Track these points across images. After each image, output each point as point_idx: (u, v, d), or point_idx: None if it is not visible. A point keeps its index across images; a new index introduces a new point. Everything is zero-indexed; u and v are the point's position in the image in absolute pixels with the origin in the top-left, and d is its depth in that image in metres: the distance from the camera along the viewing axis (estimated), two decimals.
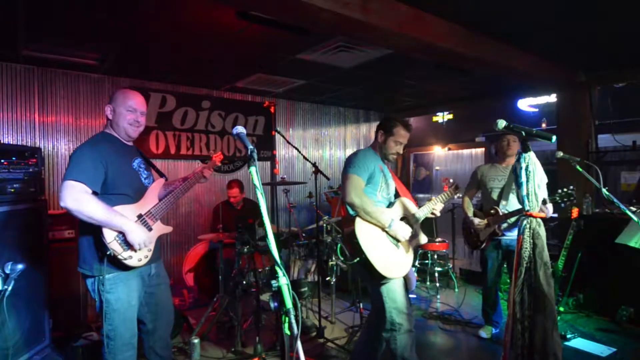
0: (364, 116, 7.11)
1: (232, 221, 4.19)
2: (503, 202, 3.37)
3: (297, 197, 6.01)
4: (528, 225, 1.97)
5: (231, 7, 2.84)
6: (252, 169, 1.42)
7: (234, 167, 5.59)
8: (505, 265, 3.66)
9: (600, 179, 2.59)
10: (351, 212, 2.43)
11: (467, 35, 3.42)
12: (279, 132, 4.03)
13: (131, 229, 2.02)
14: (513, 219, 3.22)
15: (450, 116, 6.94)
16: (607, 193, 2.56)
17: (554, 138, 1.89)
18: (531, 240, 1.96)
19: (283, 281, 1.31)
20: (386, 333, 2.38)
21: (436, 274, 4.99)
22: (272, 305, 1.34)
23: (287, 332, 1.26)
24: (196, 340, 2.99)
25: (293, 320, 1.25)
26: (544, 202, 2.63)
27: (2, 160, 2.88)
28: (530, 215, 1.97)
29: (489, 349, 3.45)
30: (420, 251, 5.26)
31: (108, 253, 1.98)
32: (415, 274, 5.16)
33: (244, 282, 3.57)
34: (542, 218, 2.01)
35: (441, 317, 4.08)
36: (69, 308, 3.54)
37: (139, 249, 2.07)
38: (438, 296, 4.82)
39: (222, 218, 4.03)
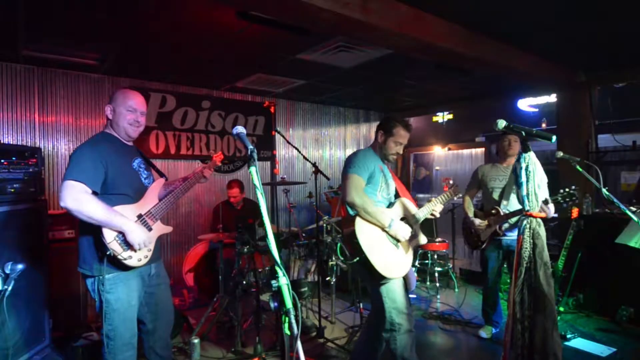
0: (364, 116, 7.11)
1: (232, 221, 4.19)
2: (504, 202, 3.36)
3: (297, 197, 6.01)
4: (528, 225, 1.97)
5: (231, 7, 2.84)
6: (252, 169, 1.42)
7: (234, 167, 5.59)
8: (505, 265, 3.66)
9: (600, 179, 2.59)
10: (351, 212, 2.43)
11: (467, 35, 3.42)
12: (279, 132, 4.03)
13: (131, 229, 2.02)
14: (514, 219, 3.21)
15: (450, 116, 6.94)
16: (607, 193, 2.56)
17: (554, 138, 1.89)
18: (531, 240, 1.96)
19: (283, 281, 1.31)
20: (386, 333, 2.38)
21: (436, 274, 4.99)
22: (272, 305, 1.34)
23: (287, 332, 1.26)
24: (196, 340, 2.99)
25: (293, 320, 1.25)
26: (546, 202, 2.64)
27: (2, 160, 2.88)
28: (530, 215, 1.97)
29: (489, 349, 3.45)
30: (420, 251, 5.26)
31: (108, 253, 1.98)
32: (415, 274, 5.15)
33: (244, 282, 3.57)
34: (542, 218, 2.01)
35: (441, 317, 4.08)
36: (69, 308, 3.54)
37: (139, 249, 2.07)
38: (438, 296, 4.82)
39: (222, 218, 4.03)
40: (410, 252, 2.51)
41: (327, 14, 2.60)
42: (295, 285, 3.96)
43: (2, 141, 3.89)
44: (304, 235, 4.75)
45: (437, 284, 4.95)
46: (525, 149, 1.97)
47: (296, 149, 3.86)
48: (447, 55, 3.55)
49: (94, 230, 2.01)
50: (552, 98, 5.41)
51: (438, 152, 7.15)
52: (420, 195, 7.24)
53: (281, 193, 5.38)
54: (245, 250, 3.63)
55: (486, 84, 5.25)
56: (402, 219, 2.52)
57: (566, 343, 3.41)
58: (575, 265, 4.06)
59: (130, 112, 2.18)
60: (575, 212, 3.81)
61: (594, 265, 4.09)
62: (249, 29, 3.24)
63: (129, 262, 2.04)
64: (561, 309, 3.97)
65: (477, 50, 3.57)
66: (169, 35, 3.39)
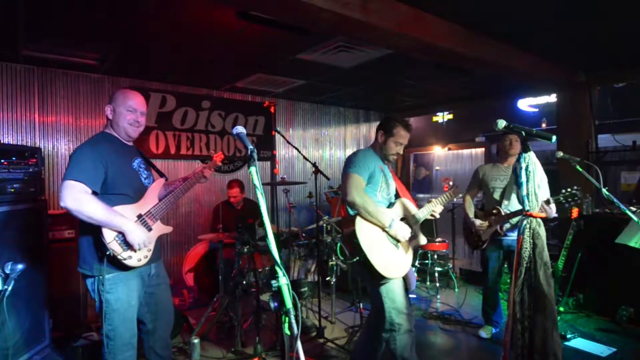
0: (364, 116, 7.11)
1: (232, 221, 4.19)
2: (505, 202, 3.36)
3: (297, 197, 6.01)
4: (528, 225, 1.97)
5: (231, 7, 2.84)
6: (252, 169, 1.43)
7: (234, 167, 5.59)
8: (505, 265, 3.66)
9: (600, 179, 2.59)
10: (351, 212, 2.43)
11: (467, 35, 3.42)
12: (279, 132, 4.03)
13: (131, 229, 2.01)
14: (516, 219, 3.21)
15: (450, 116, 6.94)
16: (607, 193, 2.56)
17: (554, 138, 1.89)
18: (531, 240, 1.96)
19: (283, 281, 1.31)
20: (386, 333, 2.38)
21: (436, 274, 4.99)
22: (272, 305, 1.34)
23: (287, 332, 1.26)
24: (196, 340, 2.99)
25: (293, 320, 1.25)
26: (548, 202, 2.64)
27: (2, 160, 2.88)
28: (530, 215, 1.97)
29: (489, 349, 3.45)
30: (420, 251, 5.26)
31: (108, 253, 1.98)
32: (415, 274, 5.15)
33: (244, 282, 3.57)
34: (542, 218, 2.01)
35: (441, 317, 4.08)
36: (69, 308, 3.54)
37: (139, 249, 2.07)
38: (438, 296, 4.82)
39: (222, 218, 4.03)
40: (410, 252, 2.51)
41: (327, 14, 2.60)
42: (295, 285, 3.96)
43: (2, 141, 3.89)
44: (304, 235, 4.75)
45: (437, 284, 4.94)
46: (525, 149, 1.97)
47: (296, 149, 3.86)
48: (447, 55, 3.55)
49: (93, 231, 2.01)
50: (552, 98, 5.41)
51: (438, 152, 7.15)
52: (420, 195, 7.24)
53: (281, 193, 5.38)
54: (245, 250, 3.63)
55: (486, 84, 5.25)
56: (402, 219, 2.52)
57: (566, 343, 3.41)
58: (575, 265, 4.06)
59: (130, 112, 2.18)
60: (575, 212, 3.81)
61: (594, 265, 4.09)
62: (249, 29, 3.24)
63: (128, 262, 2.04)
64: (561, 309, 3.97)
65: (477, 50, 3.57)
66: (169, 35, 3.39)
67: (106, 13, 2.94)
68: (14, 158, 2.95)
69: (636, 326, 3.70)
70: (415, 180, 7.53)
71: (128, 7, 2.85)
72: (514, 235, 3.29)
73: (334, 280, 4.04)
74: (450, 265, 5.25)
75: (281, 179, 4.16)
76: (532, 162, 1.96)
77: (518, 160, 2.00)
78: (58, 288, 3.39)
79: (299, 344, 1.24)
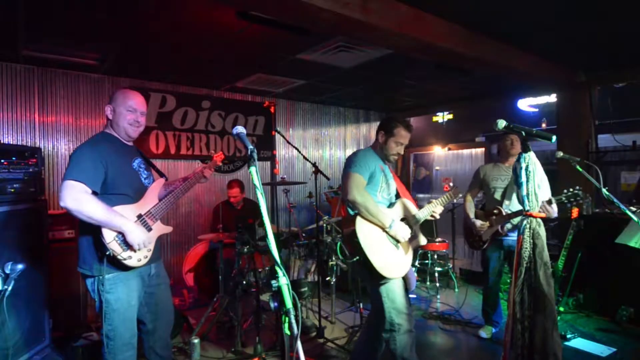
0: (364, 116, 7.11)
1: (232, 221, 4.19)
2: (506, 202, 3.35)
3: (297, 197, 6.01)
4: (528, 225, 1.97)
5: (231, 7, 2.84)
6: (252, 169, 1.43)
7: (234, 167, 5.59)
8: (505, 265, 3.65)
9: (600, 179, 2.59)
10: (351, 211, 2.43)
11: (467, 35, 3.42)
12: (279, 132, 4.03)
13: (130, 229, 2.01)
14: (517, 220, 3.20)
15: (450, 116, 6.94)
16: (607, 193, 2.56)
17: (554, 138, 1.89)
18: (531, 240, 1.96)
19: (283, 281, 1.31)
20: (386, 333, 2.38)
21: (436, 274, 4.99)
22: (272, 305, 1.34)
23: (287, 332, 1.26)
24: (196, 340, 2.99)
25: (293, 320, 1.25)
26: (550, 202, 2.64)
27: (2, 160, 2.88)
28: (530, 215, 1.97)
29: (489, 349, 3.45)
30: (420, 251, 5.26)
31: (107, 253, 1.98)
32: (415, 274, 5.15)
33: (244, 282, 3.57)
34: (543, 218, 2.01)
35: (441, 317, 4.08)
36: (69, 308, 3.54)
37: (138, 249, 2.06)
38: (438, 296, 4.82)
39: (222, 218, 4.03)
40: (410, 253, 2.51)
41: (327, 14, 2.60)
42: (295, 285, 3.96)
43: (2, 141, 3.89)
44: (304, 235, 4.74)
45: (437, 284, 4.95)
46: (525, 149, 1.97)
47: (296, 149, 3.86)
48: (447, 55, 3.55)
49: (93, 231, 2.01)
50: (552, 98, 5.41)
51: (438, 152, 7.15)
52: (420, 195, 7.24)
53: (281, 193, 5.38)
54: (245, 250, 3.63)
55: (486, 84, 5.25)
56: (402, 220, 2.52)
57: (566, 343, 3.41)
58: (575, 265, 4.06)
59: (130, 112, 2.17)
60: (575, 212, 3.81)
61: (594, 265, 4.09)
62: (249, 29, 3.24)
63: (128, 262, 2.04)
64: (561, 309, 3.97)
65: (477, 50, 3.57)
66: (169, 35, 3.39)
67: (106, 13, 2.94)
68: (14, 158, 2.95)
69: (636, 326, 3.70)
70: (415, 180, 7.53)
71: (128, 7, 2.85)
72: (514, 236, 3.28)
73: (334, 280, 4.04)
74: (450, 265, 5.25)
75: (281, 179, 4.16)
76: (532, 162, 1.96)
77: (518, 160, 2.00)
78: (58, 288, 3.39)
79: (299, 344, 1.24)
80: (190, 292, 4.53)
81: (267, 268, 4.02)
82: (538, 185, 1.98)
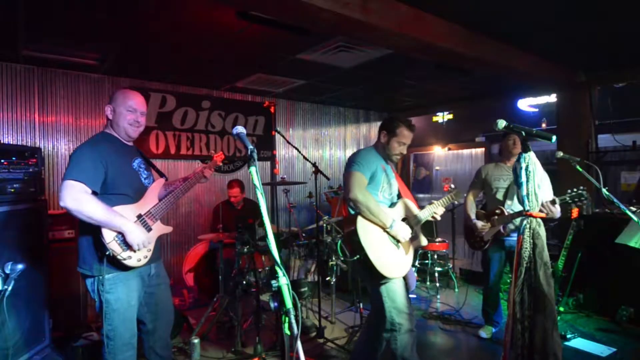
0: (364, 116, 7.11)
1: (232, 221, 4.19)
2: (508, 202, 3.34)
3: (297, 197, 6.01)
4: (528, 225, 1.98)
5: (231, 7, 2.84)
6: (252, 169, 1.43)
7: (234, 167, 5.59)
8: (506, 265, 3.65)
9: (600, 179, 2.59)
10: (352, 211, 2.42)
11: (467, 35, 3.42)
12: (279, 132, 4.03)
13: (130, 230, 2.01)
14: (519, 221, 3.19)
15: (450, 116, 6.94)
16: (607, 193, 2.56)
17: (554, 138, 1.90)
18: (531, 240, 1.96)
19: (283, 281, 1.31)
20: (386, 333, 2.38)
21: (436, 274, 4.99)
22: (272, 305, 1.34)
23: (287, 332, 1.26)
24: (196, 340, 2.99)
25: (293, 320, 1.25)
26: (553, 202, 2.64)
27: (2, 160, 2.88)
28: (530, 215, 1.97)
29: (489, 349, 3.45)
30: (420, 251, 5.26)
31: (107, 253, 1.98)
32: (415, 274, 5.16)
33: (244, 282, 3.57)
34: (544, 218, 2.01)
35: (441, 317, 4.08)
36: (69, 308, 3.54)
37: (138, 249, 2.06)
38: (438, 296, 4.82)
39: (222, 218, 4.04)
40: (411, 253, 2.51)
41: (327, 14, 2.60)
42: (295, 285, 3.96)
43: (2, 141, 3.89)
44: (304, 235, 4.74)
45: (437, 284, 4.95)
46: (525, 149, 1.97)
47: (296, 149, 3.86)
48: (447, 55, 3.55)
49: (93, 231, 2.01)
50: (552, 98, 5.41)
51: (438, 152, 7.15)
52: (420, 195, 7.24)
53: (281, 193, 5.38)
54: (245, 250, 3.63)
55: (486, 84, 5.25)
56: (403, 220, 2.52)
57: (566, 343, 3.41)
58: (575, 265, 4.06)
59: (130, 112, 2.17)
60: (575, 212, 3.81)
61: (594, 265, 4.09)
62: (249, 29, 3.24)
63: (128, 263, 2.04)
64: (561, 309, 3.97)
65: (477, 50, 3.57)
66: (169, 35, 3.39)
67: (106, 13, 2.94)
68: (14, 158, 2.95)
69: (636, 326, 3.70)
70: (415, 180, 7.53)
71: (128, 7, 2.85)
72: (516, 236, 3.27)
73: (334, 280, 4.04)
74: (450, 265, 5.25)
75: (281, 179, 4.16)
76: (532, 162, 1.96)
77: (518, 160, 2.00)
78: (58, 288, 3.39)
79: (299, 344, 1.24)
80: (190, 292, 4.53)
81: (267, 268, 4.02)
82: (538, 185, 1.98)
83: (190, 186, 2.41)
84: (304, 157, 3.88)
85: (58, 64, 4.11)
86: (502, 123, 1.94)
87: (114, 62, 4.08)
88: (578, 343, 3.44)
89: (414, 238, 2.52)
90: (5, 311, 2.49)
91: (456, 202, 2.90)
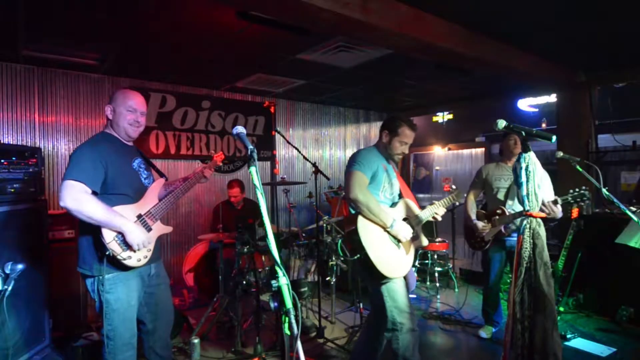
0: (364, 116, 7.11)
1: (232, 221, 4.19)
2: (509, 202, 3.33)
3: (297, 197, 6.01)
4: (528, 225, 1.97)
5: (231, 7, 2.84)
6: (252, 169, 1.43)
7: (234, 167, 5.59)
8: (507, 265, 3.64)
9: (600, 179, 2.59)
10: (353, 210, 2.42)
11: (467, 35, 3.42)
12: (279, 132, 4.03)
13: (130, 230, 2.01)
14: (519, 220, 3.18)
15: (450, 116, 6.95)
16: (607, 193, 2.56)
17: (554, 138, 1.89)
18: (531, 240, 1.96)
19: (283, 281, 1.31)
20: (388, 333, 2.37)
21: (436, 274, 4.99)
22: (272, 305, 1.34)
23: (287, 332, 1.26)
24: (196, 340, 2.99)
25: (293, 320, 1.25)
26: (555, 202, 2.64)
27: (2, 160, 2.88)
28: (530, 215, 1.97)
29: (489, 349, 3.45)
30: (420, 251, 5.25)
31: (107, 253, 1.98)
32: (415, 274, 5.16)
33: (244, 282, 3.57)
34: (544, 218, 2.01)
35: (441, 317, 4.08)
36: (69, 308, 3.54)
37: (138, 249, 2.06)
38: (438, 296, 4.82)
39: (222, 218, 4.04)
40: (412, 253, 2.51)
41: (327, 14, 2.60)
42: (295, 285, 3.96)
43: (2, 141, 3.89)
44: (304, 235, 4.74)
45: (437, 284, 4.95)
46: (525, 149, 1.97)
47: (296, 149, 3.86)
48: (447, 55, 3.55)
49: (93, 231, 2.01)
50: (552, 98, 5.41)
51: (438, 152, 7.15)
52: (420, 195, 7.24)
53: (281, 193, 5.38)
54: (245, 250, 3.63)
55: (486, 84, 5.25)
56: (404, 220, 2.52)
57: (566, 343, 3.41)
58: (575, 265, 4.06)
59: (130, 112, 2.17)
60: (575, 212, 3.80)
61: (594, 265, 4.09)
62: (249, 29, 3.24)
63: (128, 263, 2.04)
64: (561, 309, 3.97)
65: (477, 50, 3.57)
66: (169, 35, 3.39)
67: (106, 13, 2.94)
68: (14, 158, 2.95)
69: (636, 326, 3.70)
70: (415, 180, 7.54)
71: (128, 7, 2.85)
72: (516, 237, 3.26)
73: (334, 280, 4.04)
74: (450, 265, 5.25)
75: (281, 179, 4.16)
76: (532, 162, 1.96)
77: (518, 160, 2.00)
78: (58, 288, 3.39)
79: (299, 344, 1.24)
80: (190, 292, 4.53)
81: (267, 268, 4.02)
82: (538, 185, 1.98)
83: (190, 186, 2.41)
84: (304, 157, 3.88)
85: (58, 64, 4.11)
86: (502, 123, 1.94)
87: (114, 62, 4.08)
88: (578, 343, 3.44)
89: (414, 238, 2.51)
90: (5, 311, 2.49)
91: (457, 203, 2.90)
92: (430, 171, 7.41)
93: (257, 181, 1.39)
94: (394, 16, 2.91)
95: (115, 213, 2.00)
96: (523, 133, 1.94)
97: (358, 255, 2.31)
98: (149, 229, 2.16)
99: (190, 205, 5.16)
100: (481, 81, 5.05)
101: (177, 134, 5.03)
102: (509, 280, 4.14)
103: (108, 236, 1.98)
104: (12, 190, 2.90)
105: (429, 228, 5.24)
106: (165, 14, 2.97)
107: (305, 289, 4.04)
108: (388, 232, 2.39)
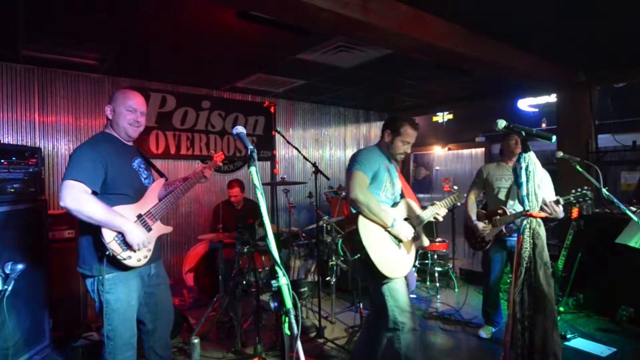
0: (364, 116, 7.11)
1: (232, 221, 4.19)
2: (510, 202, 3.33)
3: (297, 197, 6.01)
4: (528, 225, 1.97)
5: (231, 7, 2.84)
6: (252, 169, 1.43)
7: (234, 167, 5.59)
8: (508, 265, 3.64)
9: (600, 179, 2.59)
10: (354, 210, 2.42)
11: (467, 35, 3.42)
12: (279, 132, 4.03)
13: (130, 229, 2.01)
14: (520, 220, 3.18)
15: (450, 116, 6.95)
16: (607, 193, 2.56)
17: (554, 138, 1.90)
18: (531, 240, 1.96)
19: (283, 281, 1.31)
20: (389, 332, 2.36)
21: (436, 274, 4.99)
22: (272, 305, 1.34)
23: (287, 332, 1.26)
24: (196, 340, 2.99)
25: (293, 320, 1.25)
26: (557, 202, 2.63)
27: (2, 160, 2.88)
28: (531, 215, 1.97)
29: (489, 349, 3.45)
30: (420, 251, 5.25)
31: (107, 253, 1.98)
32: (415, 274, 5.16)
33: (244, 282, 3.57)
34: (544, 218, 2.01)
35: (441, 317, 4.08)
36: (69, 308, 3.54)
37: (138, 249, 2.06)
38: (438, 296, 4.82)
39: (222, 218, 4.04)
40: (413, 253, 2.50)
41: (327, 14, 2.60)
42: (295, 285, 3.96)
43: (2, 141, 3.89)
44: (304, 235, 4.74)
45: (437, 284, 4.94)
46: (525, 149, 1.97)
47: (296, 149, 3.86)
48: (447, 55, 3.55)
49: (93, 231, 2.01)
50: (552, 98, 5.41)
51: (438, 152, 7.15)
52: (420, 196, 7.24)
53: (281, 193, 5.38)
54: (245, 250, 3.63)
55: (486, 84, 5.25)
56: (405, 219, 2.51)
57: (566, 343, 3.40)
58: (575, 265, 4.06)
59: (130, 112, 2.17)
60: (575, 212, 3.80)
61: (594, 265, 4.09)
62: (249, 29, 3.24)
63: (128, 262, 2.04)
64: (561, 309, 3.97)
65: (477, 50, 3.57)
66: (169, 35, 3.39)
67: (106, 13, 2.94)
68: (14, 158, 2.95)
69: (636, 326, 3.70)
70: (415, 180, 7.54)
71: (128, 7, 2.85)
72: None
73: (334, 280, 4.04)
74: (450, 265, 5.25)
75: (281, 179, 4.16)
76: (532, 162, 1.96)
77: (518, 160, 2.00)
78: (58, 288, 3.39)
79: (299, 344, 1.24)
80: (190, 292, 4.53)
81: (267, 268, 4.02)
82: (538, 185, 1.98)
83: (190, 186, 2.41)
84: (304, 157, 3.88)
85: (58, 64, 4.11)
86: (502, 123, 1.94)
87: (114, 62, 4.08)
88: (578, 343, 3.44)
89: (415, 238, 2.51)
90: (5, 311, 2.49)
91: (458, 204, 2.89)
92: (430, 171, 7.41)
93: (257, 181, 1.39)
94: (394, 16, 2.91)
95: (115, 213, 2.00)
96: (523, 133, 1.94)
97: (358, 255, 2.30)
98: (149, 229, 2.16)
99: (190, 205, 5.17)
100: (481, 81, 5.05)
101: (177, 134, 5.03)
102: (509, 280, 4.14)
103: (108, 236, 1.98)
104: (12, 190, 2.90)
105: (429, 228, 5.25)
106: (165, 14, 2.97)
107: (305, 289, 4.04)
108: (389, 232, 2.39)
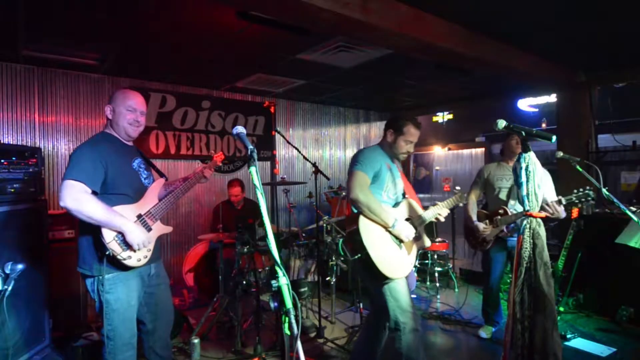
0: (364, 116, 7.11)
1: (232, 221, 4.19)
2: (511, 202, 3.32)
3: (297, 197, 6.01)
4: (528, 225, 1.97)
5: (231, 7, 2.84)
6: (252, 169, 1.43)
7: (234, 167, 5.59)
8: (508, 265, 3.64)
9: (600, 179, 2.59)
10: (355, 209, 2.42)
11: (467, 35, 3.42)
12: (279, 132, 4.03)
13: (130, 229, 2.01)
14: (520, 220, 3.17)
15: (450, 116, 6.95)
16: (607, 193, 2.56)
17: (554, 138, 1.90)
18: (531, 240, 1.96)
19: (283, 281, 1.31)
20: (390, 333, 2.36)
21: (436, 274, 4.99)
22: (272, 305, 1.34)
23: (287, 332, 1.26)
24: (196, 340, 2.99)
25: (293, 320, 1.25)
26: (559, 202, 2.62)
27: (2, 160, 2.88)
28: (531, 215, 1.97)
29: (489, 349, 3.45)
30: (420, 251, 5.25)
31: (107, 253, 1.98)
32: (415, 274, 5.16)
33: (244, 282, 3.57)
34: (545, 218, 2.01)
35: (441, 317, 4.08)
36: (69, 308, 3.54)
37: (138, 249, 2.06)
38: (438, 296, 4.82)
39: (223, 218, 4.04)
40: (414, 253, 2.50)
41: (327, 14, 2.60)
42: (295, 285, 3.96)
43: (2, 141, 3.89)
44: (304, 235, 4.74)
45: (437, 284, 4.95)
46: (525, 149, 1.97)
47: (296, 149, 3.86)
48: (447, 55, 3.55)
49: (93, 231, 2.01)
50: (552, 98, 5.41)
51: (438, 152, 7.15)
52: (421, 196, 7.23)
53: (281, 193, 5.38)
54: (245, 250, 3.63)
55: (486, 84, 5.25)
56: (407, 220, 2.51)
57: (566, 343, 3.40)
58: (575, 265, 4.05)
59: (130, 112, 2.17)
60: (575, 212, 3.80)
61: (594, 265, 4.09)
62: (249, 29, 3.24)
63: (128, 262, 2.04)
64: (561, 309, 3.97)
65: (477, 50, 3.57)
66: (169, 35, 3.39)
67: (106, 13, 2.94)
68: (14, 158, 2.95)
69: (636, 326, 3.70)
70: (415, 180, 7.53)
71: (128, 7, 2.85)
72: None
73: (334, 280, 4.04)
74: (450, 265, 5.25)
75: (281, 179, 4.16)
76: (532, 162, 1.96)
77: (518, 160, 2.00)
78: (58, 288, 3.39)
79: (299, 344, 1.24)
80: (190, 292, 4.53)
81: (267, 268, 4.02)
82: (538, 185, 1.98)
83: (190, 186, 2.41)
84: (304, 157, 3.88)
85: (58, 64, 4.11)
86: (502, 123, 1.94)
87: (114, 62, 4.08)
88: (578, 343, 3.44)
89: (417, 238, 2.51)
90: (5, 311, 2.49)
91: (460, 204, 2.88)
92: (430, 171, 7.41)
93: (257, 181, 1.39)
94: (394, 16, 2.91)
95: (115, 213, 2.00)
96: (523, 133, 1.94)
97: (359, 255, 2.30)
98: (149, 229, 2.16)
99: (190, 205, 5.17)
100: (481, 81, 5.05)
101: (177, 134, 5.03)
102: (509, 280, 4.14)
103: (108, 236, 1.98)
104: (12, 190, 2.90)
105: (429, 228, 5.24)
106: (165, 14, 2.97)
107: (305, 289, 4.04)
108: (390, 232, 2.39)
